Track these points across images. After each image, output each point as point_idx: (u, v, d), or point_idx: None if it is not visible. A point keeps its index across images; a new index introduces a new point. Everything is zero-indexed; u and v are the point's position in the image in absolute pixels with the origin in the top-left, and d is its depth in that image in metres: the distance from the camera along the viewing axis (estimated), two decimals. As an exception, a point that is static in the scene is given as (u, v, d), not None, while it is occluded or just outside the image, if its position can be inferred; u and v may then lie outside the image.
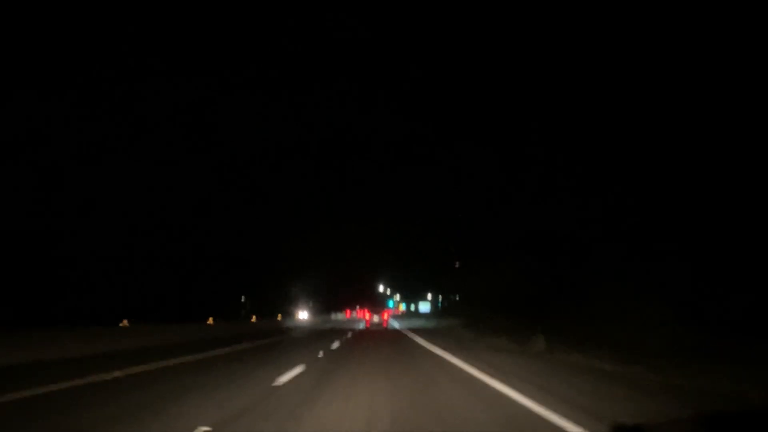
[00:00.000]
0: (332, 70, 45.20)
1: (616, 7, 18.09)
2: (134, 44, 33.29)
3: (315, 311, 75.55)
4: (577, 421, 5.13)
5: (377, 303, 63.71)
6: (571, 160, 21.39)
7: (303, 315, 59.43)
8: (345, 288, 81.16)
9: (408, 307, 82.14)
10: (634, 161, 17.97)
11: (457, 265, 44.89)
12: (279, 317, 52.37)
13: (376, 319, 39.43)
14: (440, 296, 63.08)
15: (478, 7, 27.08)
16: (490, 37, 27.21)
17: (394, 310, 76.51)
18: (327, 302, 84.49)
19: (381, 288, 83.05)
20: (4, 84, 25.74)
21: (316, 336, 24.08)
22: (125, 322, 22.19)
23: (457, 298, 49.13)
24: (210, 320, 31.91)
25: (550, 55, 22.58)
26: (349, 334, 24.63)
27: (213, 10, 35.68)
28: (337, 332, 27.32)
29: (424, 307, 70.59)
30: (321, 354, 13.18)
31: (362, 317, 51.84)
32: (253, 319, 41.95)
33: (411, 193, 65.94)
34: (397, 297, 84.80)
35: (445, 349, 14.69)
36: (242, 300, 59.50)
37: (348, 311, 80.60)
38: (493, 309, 26.73)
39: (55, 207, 30.45)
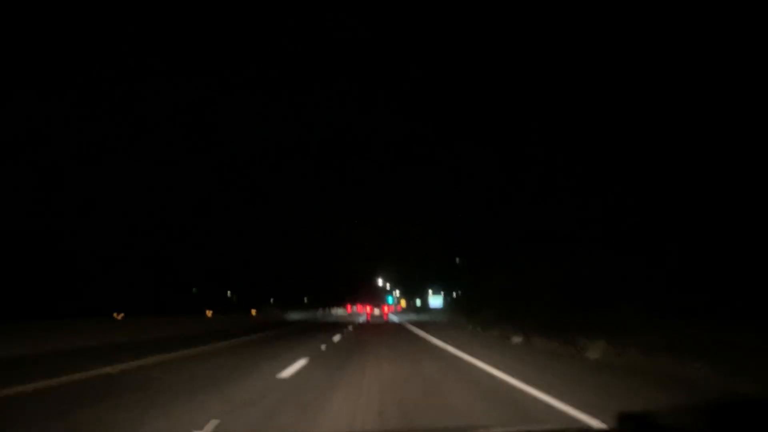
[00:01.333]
0: (332, 70, 45.22)
1: (616, 7, 18.08)
2: (134, 44, 33.35)
3: (314, 306, 75.61)
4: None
5: (377, 298, 63.87)
6: (571, 160, 21.41)
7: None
8: (346, 284, 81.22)
9: (410, 302, 78.47)
10: (634, 161, 17.98)
11: (457, 261, 44.80)
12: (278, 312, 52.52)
13: (377, 312, 45.11)
14: (442, 292, 61.58)
15: (478, 7, 27.08)
16: (489, 37, 27.21)
17: (394, 306, 75.42)
18: (327, 297, 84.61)
19: (380, 282, 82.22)
20: (4, 84, 25.77)
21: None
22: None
23: (459, 294, 48.92)
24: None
25: (549, 55, 22.59)
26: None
27: (213, 10, 35.65)
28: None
29: (436, 301, 54.78)
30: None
31: (363, 311, 52.24)
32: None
33: (411, 193, 65.89)
34: (397, 293, 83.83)
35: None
36: (228, 295, 59.77)
37: (349, 306, 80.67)
38: (524, 307, 20.80)
39: (55, 207, 30.51)
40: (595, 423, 5.05)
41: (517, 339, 15.51)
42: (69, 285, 31.50)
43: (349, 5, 32.47)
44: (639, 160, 17.82)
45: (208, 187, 44.73)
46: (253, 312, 47.16)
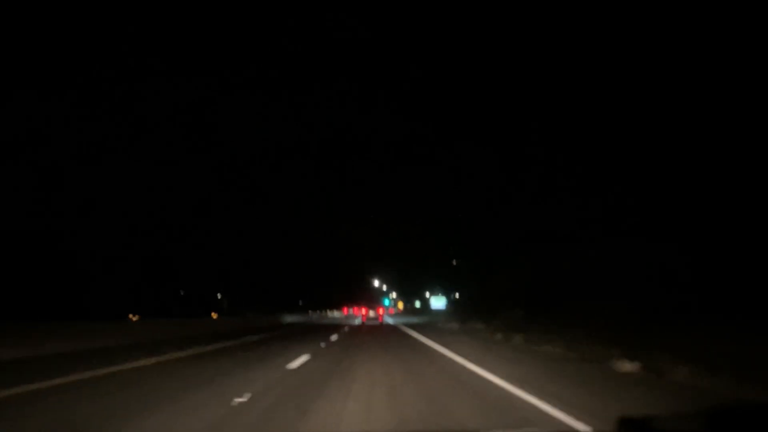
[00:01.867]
0: (332, 70, 45.31)
1: (616, 7, 18.15)
2: (134, 44, 33.35)
3: (309, 309, 75.57)
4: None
5: (374, 300, 63.98)
6: (571, 160, 21.46)
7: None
8: (342, 286, 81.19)
9: (407, 303, 76.79)
10: (634, 161, 18.04)
11: (454, 263, 44.71)
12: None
13: (371, 314, 45.63)
14: (440, 294, 60.92)
15: (478, 7, 27.14)
16: (489, 37, 27.28)
17: (393, 308, 74.67)
18: (323, 300, 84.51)
19: (377, 283, 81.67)
20: (4, 84, 25.78)
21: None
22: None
23: (455, 296, 48.77)
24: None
25: (549, 55, 22.66)
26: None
27: (213, 10, 35.69)
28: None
29: (438, 302, 48.76)
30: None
31: (359, 314, 52.50)
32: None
33: (411, 193, 65.92)
34: (394, 295, 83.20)
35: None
36: (218, 297, 59.36)
37: (345, 309, 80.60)
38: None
39: (55, 207, 30.53)
40: (596, 427, 4.93)
41: (626, 366, 8.94)
42: (66, 286, 31.49)
43: (349, 5, 32.54)
44: (639, 160, 17.90)
45: (208, 187, 44.83)
46: (214, 315, 44.36)
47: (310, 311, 75.20)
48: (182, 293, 49.95)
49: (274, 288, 67.55)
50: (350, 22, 32.32)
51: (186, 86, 40.37)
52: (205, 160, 44.65)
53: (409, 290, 72.96)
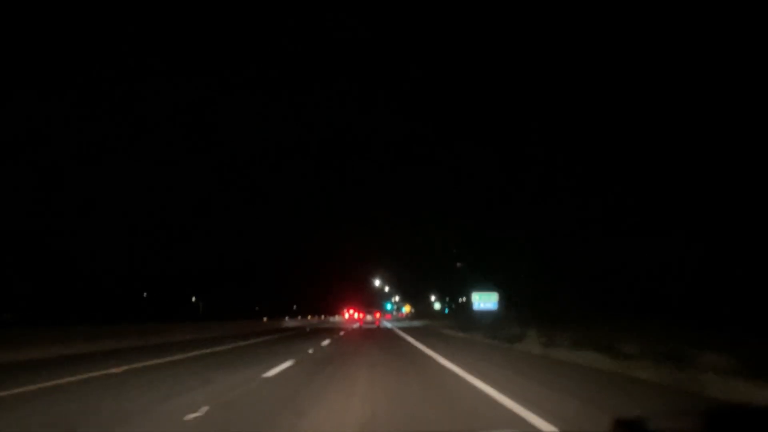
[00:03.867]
0: (332, 70, 45.32)
1: (616, 8, 18.10)
2: (134, 44, 33.38)
3: (305, 314, 75.18)
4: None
5: (374, 304, 63.33)
6: (571, 160, 21.41)
7: None
8: (342, 290, 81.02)
9: (419, 306, 65.44)
10: (634, 161, 17.99)
11: (458, 266, 44.23)
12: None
13: (369, 318, 45.44)
14: (447, 298, 57.57)
15: (478, 7, 27.10)
16: (489, 38, 27.24)
17: (401, 313, 70.20)
18: (322, 305, 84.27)
19: (377, 283, 79.87)
20: (4, 84, 25.80)
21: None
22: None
23: (463, 300, 47.92)
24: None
25: (549, 55, 22.62)
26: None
27: (213, 10, 35.71)
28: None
29: (486, 301, 29.85)
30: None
31: (357, 319, 52.45)
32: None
33: (411, 193, 65.72)
34: (396, 298, 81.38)
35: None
36: (193, 300, 57.62)
37: (344, 313, 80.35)
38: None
39: (55, 207, 30.55)
40: (592, 428, 4.89)
41: None
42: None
43: (349, 5, 32.52)
44: (639, 160, 17.85)
45: (208, 187, 44.89)
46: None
47: (309, 316, 75.06)
48: (145, 295, 45.81)
49: (272, 291, 67.30)
50: (350, 22, 32.30)
51: (186, 86, 40.45)
52: (205, 160, 44.78)
53: (415, 292, 69.81)
